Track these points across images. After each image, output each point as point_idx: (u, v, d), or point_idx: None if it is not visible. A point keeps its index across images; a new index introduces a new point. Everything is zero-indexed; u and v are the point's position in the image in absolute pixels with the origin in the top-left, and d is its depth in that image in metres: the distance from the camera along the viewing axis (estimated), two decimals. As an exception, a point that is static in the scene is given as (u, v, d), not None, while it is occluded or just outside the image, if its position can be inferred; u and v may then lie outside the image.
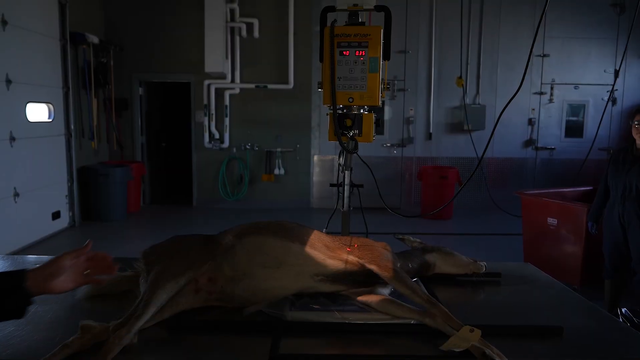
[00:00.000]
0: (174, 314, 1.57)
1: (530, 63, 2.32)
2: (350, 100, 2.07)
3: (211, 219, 7.59)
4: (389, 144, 8.55)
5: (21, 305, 1.19)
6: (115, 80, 8.12)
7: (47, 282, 1.22)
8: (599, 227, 4.06)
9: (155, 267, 1.55)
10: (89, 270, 1.33)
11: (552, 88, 8.57)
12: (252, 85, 8.34)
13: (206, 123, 8.37)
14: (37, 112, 6.35)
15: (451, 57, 8.40)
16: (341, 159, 2.26)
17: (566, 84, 8.59)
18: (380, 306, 1.59)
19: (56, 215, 6.69)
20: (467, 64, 8.31)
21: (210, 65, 7.81)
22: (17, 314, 1.19)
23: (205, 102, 8.33)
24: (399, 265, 1.73)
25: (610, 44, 8.49)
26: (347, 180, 2.32)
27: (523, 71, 2.43)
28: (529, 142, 8.67)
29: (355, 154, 2.24)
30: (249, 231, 1.70)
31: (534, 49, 8.36)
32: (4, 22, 5.48)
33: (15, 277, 1.18)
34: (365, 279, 1.70)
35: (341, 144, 2.13)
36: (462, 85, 8.31)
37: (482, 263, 1.99)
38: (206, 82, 8.26)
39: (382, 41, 2.05)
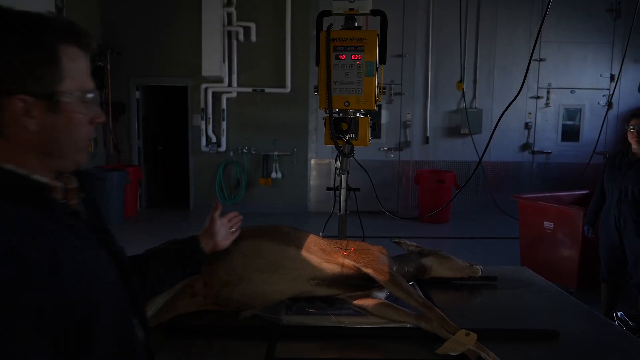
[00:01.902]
0: (170, 318, 1.57)
1: (527, 69, 2.32)
2: (347, 104, 2.07)
3: (208, 223, 7.55)
4: (386, 148, 8.56)
5: (200, 263, 1.47)
6: (113, 84, 8.12)
7: (214, 242, 1.50)
8: (595, 231, 4.07)
9: (151, 271, 1.55)
10: (233, 228, 1.60)
11: (548, 92, 8.60)
12: (249, 89, 8.34)
13: (203, 127, 8.37)
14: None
15: (448, 61, 8.42)
16: (338, 162, 2.26)
17: (562, 88, 8.62)
18: (376, 310, 1.59)
19: (52, 219, 6.65)
20: (463, 68, 8.34)
21: (207, 69, 7.81)
22: (197, 271, 1.47)
23: (202, 105, 8.33)
24: (395, 269, 1.73)
25: (606, 49, 8.54)
26: (343, 184, 2.32)
27: (519, 75, 2.44)
28: (526, 146, 8.70)
29: (352, 158, 2.24)
30: (246, 235, 1.70)
31: (530, 53, 8.40)
32: (1, 26, 5.48)
33: (193, 241, 1.46)
34: (361, 283, 1.70)
35: (337, 147, 2.13)
36: (462, 89, 8.33)
37: (478, 267, 2.00)
38: (203, 85, 8.26)
39: (378, 45, 2.05)
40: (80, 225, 0.93)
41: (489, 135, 2.71)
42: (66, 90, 0.89)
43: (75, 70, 0.90)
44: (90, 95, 0.93)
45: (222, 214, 1.59)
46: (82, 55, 0.93)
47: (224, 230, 1.56)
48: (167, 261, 1.37)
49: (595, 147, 6.35)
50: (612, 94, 8.06)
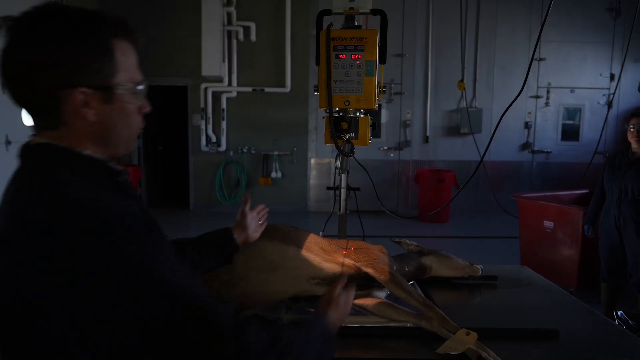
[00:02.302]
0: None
1: (529, 68, 2.32)
2: (347, 103, 2.07)
3: (208, 223, 7.56)
4: (385, 147, 8.55)
5: (232, 254, 1.50)
6: (112, 84, 8.10)
7: (245, 234, 1.54)
8: (595, 231, 4.06)
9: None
10: (261, 221, 1.64)
11: (548, 92, 8.59)
12: (249, 89, 8.34)
13: (203, 126, 8.37)
14: (34, 116, 6.33)
15: (448, 60, 8.42)
16: (338, 162, 2.26)
17: (562, 87, 8.62)
18: (376, 309, 1.59)
19: (52, 218, 6.64)
20: (463, 67, 8.34)
21: (207, 69, 7.81)
22: (229, 261, 1.50)
23: (202, 105, 8.33)
24: (395, 268, 1.73)
25: (606, 48, 8.54)
26: (343, 184, 2.32)
27: (519, 74, 2.44)
28: (526, 146, 8.69)
29: (352, 157, 2.24)
30: (245, 234, 1.69)
31: (530, 52, 8.39)
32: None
33: (226, 232, 1.50)
34: (361, 282, 1.70)
35: (337, 147, 2.13)
36: (464, 88, 8.32)
37: (478, 266, 2.00)
38: (203, 85, 8.26)
39: (378, 44, 2.05)
40: (141, 206, 1.02)
41: (489, 135, 2.71)
42: (120, 83, 0.96)
43: (127, 64, 0.98)
44: (140, 87, 1.01)
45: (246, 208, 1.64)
46: (131, 49, 1.01)
47: (255, 223, 1.59)
48: (203, 249, 1.42)
49: (597, 147, 6.35)
50: (614, 94, 8.04)
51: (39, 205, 0.85)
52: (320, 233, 2.04)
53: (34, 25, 0.90)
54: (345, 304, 1.22)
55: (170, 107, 9.69)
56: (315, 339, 1.02)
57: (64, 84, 0.90)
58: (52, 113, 0.93)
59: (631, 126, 3.60)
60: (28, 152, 0.95)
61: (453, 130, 8.55)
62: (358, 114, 2.13)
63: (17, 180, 0.93)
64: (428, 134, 8.59)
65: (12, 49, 0.90)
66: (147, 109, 1.04)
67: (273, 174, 8.46)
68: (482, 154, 2.77)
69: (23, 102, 0.94)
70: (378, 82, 2.09)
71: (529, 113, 8.62)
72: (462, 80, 8.30)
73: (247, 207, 1.58)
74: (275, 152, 8.48)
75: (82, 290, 0.79)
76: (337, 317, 1.17)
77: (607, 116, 6.47)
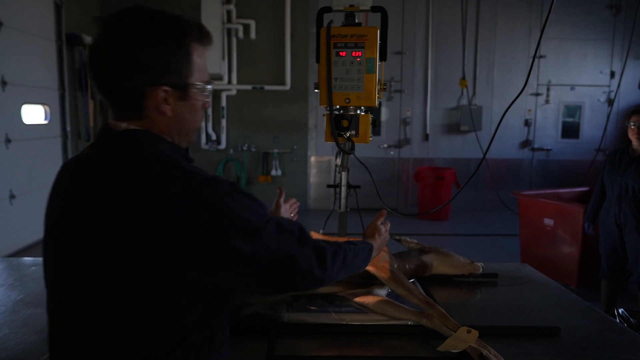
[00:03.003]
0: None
1: (531, 66, 2.31)
2: (347, 101, 2.06)
3: (208, 221, 7.52)
4: (385, 145, 8.55)
5: None
6: (112, 82, 8.08)
7: None
8: (595, 228, 4.06)
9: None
10: (293, 213, 1.74)
11: (548, 89, 8.58)
12: (249, 87, 8.33)
13: (203, 124, 8.35)
14: (33, 114, 6.33)
15: (448, 58, 8.40)
16: (338, 160, 2.25)
17: (562, 85, 8.60)
18: (377, 307, 1.59)
19: (52, 217, 6.63)
20: (463, 65, 8.32)
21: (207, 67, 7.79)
22: None
23: (202, 103, 8.31)
24: (395, 266, 1.73)
25: (606, 45, 8.52)
26: (344, 181, 2.31)
27: (519, 72, 2.43)
28: (526, 143, 8.68)
29: (352, 155, 2.23)
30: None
31: (530, 50, 8.38)
32: (0, 24, 5.47)
33: None
34: (362, 280, 1.70)
35: (338, 145, 2.12)
36: (466, 86, 8.31)
37: (479, 264, 1.99)
38: (203, 83, 8.24)
39: (378, 42, 2.04)
40: None
41: (488, 132, 2.69)
42: (194, 82, 1.07)
43: (201, 65, 1.08)
44: (209, 87, 1.12)
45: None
46: (204, 51, 1.10)
47: (288, 214, 1.66)
48: None
49: (600, 145, 6.33)
50: (616, 92, 8.01)
51: (164, 178, 0.94)
52: (321, 231, 2.04)
53: (124, 26, 1.00)
54: (385, 232, 1.52)
55: (170, 105, 9.68)
56: (362, 253, 1.33)
57: (150, 82, 1.00)
58: (134, 107, 1.02)
59: (632, 123, 3.60)
60: (117, 135, 1.02)
61: (453, 128, 8.54)
62: (358, 112, 2.12)
63: (107, 161, 1.00)
64: (428, 132, 8.58)
65: (105, 48, 1.00)
66: (209, 105, 1.15)
67: (273, 172, 8.46)
68: (483, 151, 2.76)
69: (109, 95, 1.03)
70: (378, 80, 2.08)
71: (529, 110, 8.60)
72: (463, 78, 8.28)
73: (282, 199, 1.65)
74: (275, 150, 8.47)
75: (231, 234, 0.94)
76: (379, 242, 1.48)
77: (609, 114, 6.45)
